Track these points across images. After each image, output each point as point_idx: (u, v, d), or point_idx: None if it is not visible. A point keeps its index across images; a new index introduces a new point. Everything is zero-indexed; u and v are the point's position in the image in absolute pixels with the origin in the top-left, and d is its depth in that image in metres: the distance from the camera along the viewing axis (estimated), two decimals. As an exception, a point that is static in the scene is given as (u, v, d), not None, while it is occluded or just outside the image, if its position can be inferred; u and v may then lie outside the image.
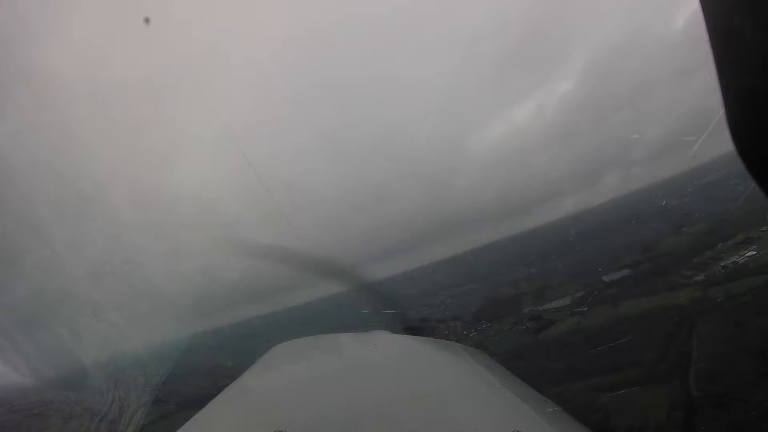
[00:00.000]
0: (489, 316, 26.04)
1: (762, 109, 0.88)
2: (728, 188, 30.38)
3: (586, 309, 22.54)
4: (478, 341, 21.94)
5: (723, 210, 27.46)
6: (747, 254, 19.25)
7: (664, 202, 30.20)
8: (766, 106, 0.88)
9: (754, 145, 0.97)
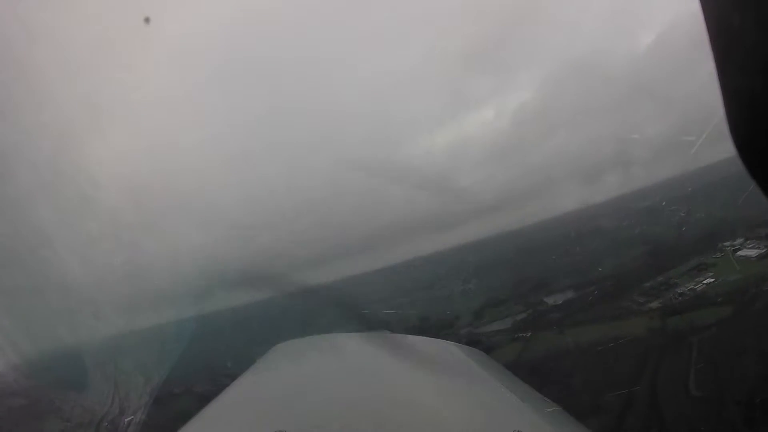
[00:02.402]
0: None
1: (762, 109, 0.88)
2: (668, 213, 30.23)
3: (530, 334, 20.05)
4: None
5: (666, 235, 26.77)
6: (704, 282, 17.60)
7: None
8: (766, 106, 0.88)
9: (754, 145, 0.95)
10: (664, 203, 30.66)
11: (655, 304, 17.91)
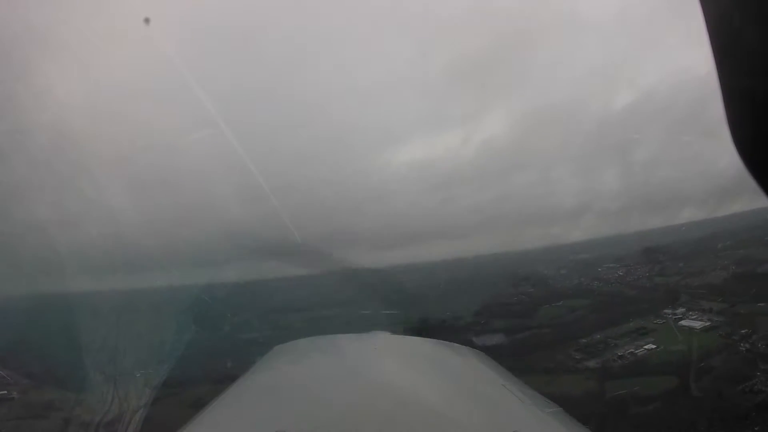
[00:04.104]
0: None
1: (762, 109, 0.89)
2: (606, 270, 29.68)
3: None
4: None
5: (605, 291, 25.92)
6: (645, 347, 16.12)
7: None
8: (766, 106, 0.88)
9: (754, 145, 0.95)
10: (603, 259, 30.58)
11: (592, 364, 16.13)
